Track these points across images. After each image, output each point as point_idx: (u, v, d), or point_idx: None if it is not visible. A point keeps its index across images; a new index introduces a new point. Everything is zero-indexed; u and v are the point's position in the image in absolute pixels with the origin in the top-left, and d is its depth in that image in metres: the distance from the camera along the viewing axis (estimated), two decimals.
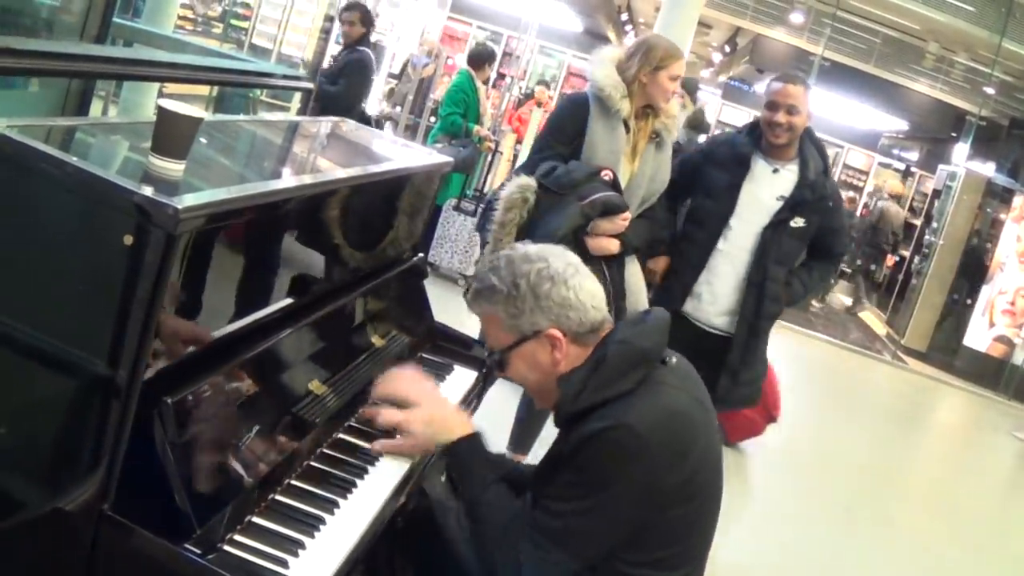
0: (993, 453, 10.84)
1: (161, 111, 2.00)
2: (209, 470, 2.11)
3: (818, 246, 4.67)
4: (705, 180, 4.60)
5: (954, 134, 19.11)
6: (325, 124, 3.89)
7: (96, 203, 1.84)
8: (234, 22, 14.41)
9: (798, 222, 4.47)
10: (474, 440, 2.62)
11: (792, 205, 4.44)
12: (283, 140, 3.38)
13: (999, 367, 13.95)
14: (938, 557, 6.54)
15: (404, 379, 2.75)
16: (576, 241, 4.17)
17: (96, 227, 1.87)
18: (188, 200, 1.83)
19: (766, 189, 4.48)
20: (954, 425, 12.21)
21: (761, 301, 4.46)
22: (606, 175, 4.21)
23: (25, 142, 1.88)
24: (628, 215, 4.21)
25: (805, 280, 4.68)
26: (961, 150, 16.75)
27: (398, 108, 14.38)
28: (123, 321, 1.84)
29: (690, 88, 8.04)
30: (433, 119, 12.52)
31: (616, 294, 4.28)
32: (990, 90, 16.18)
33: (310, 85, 4.44)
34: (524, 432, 4.92)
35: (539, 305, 2.45)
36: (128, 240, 1.80)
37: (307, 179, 2.55)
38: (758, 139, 4.55)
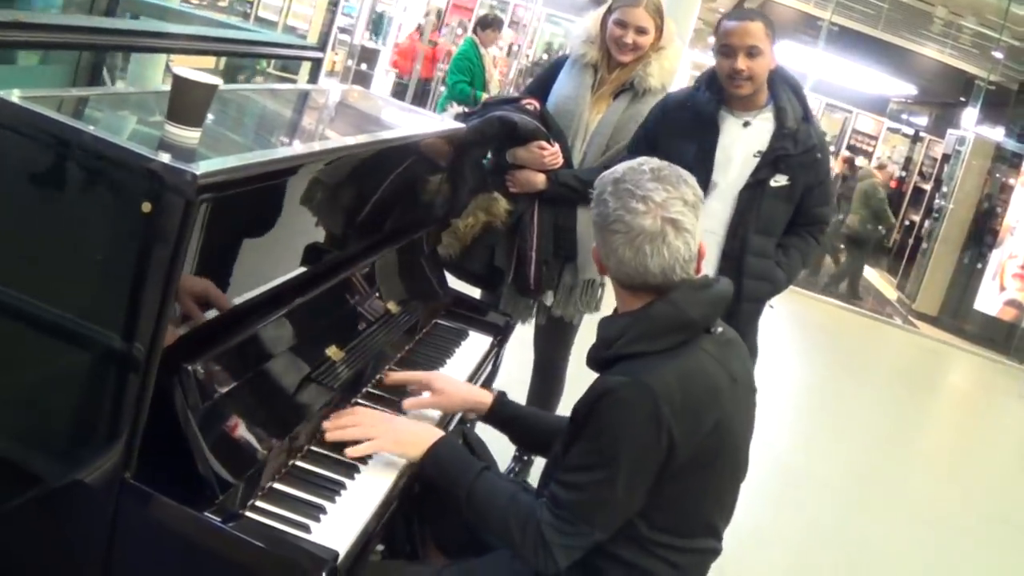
0: (1006, 417, 10.82)
1: (176, 78, 1.99)
2: (230, 437, 2.13)
3: (798, 209, 3.99)
4: (669, 155, 3.45)
5: (963, 99, 19.03)
6: (335, 92, 3.89)
7: (114, 171, 1.84)
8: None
9: (780, 180, 3.85)
10: (446, 442, 2.59)
11: (772, 160, 3.81)
12: (296, 108, 3.38)
13: (1010, 331, 13.96)
14: (954, 525, 6.52)
15: (351, 418, 2.61)
16: (494, 173, 4.16)
17: (114, 196, 1.87)
18: (206, 166, 1.83)
19: (739, 147, 3.86)
20: (966, 390, 12.19)
21: (739, 280, 3.72)
22: (528, 104, 4.12)
23: (40, 111, 1.88)
24: (551, 146, 4.06)
25: (783, 262, 4.00)
26: (970, 115, 16.69)
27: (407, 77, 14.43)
28: (142, 289, 1.84)
29: None
30: (442, 88, 12.53)
31: (560, 244, 4.18)
32: (998, 54, 16.10)
33: (320, 54, 4.43)
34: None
35: (604, 238, 2.41)
36: (147, 208, 1.80)
37: (322, 145, 2.54)
38: (720, 92, 3.88)
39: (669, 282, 2.38)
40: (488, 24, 10.58)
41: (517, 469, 4.55)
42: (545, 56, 20.45)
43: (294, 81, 10.03)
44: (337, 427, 2.51)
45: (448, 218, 3.99)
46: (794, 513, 5.61)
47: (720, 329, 2.50)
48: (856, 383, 9.65)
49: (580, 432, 2.37)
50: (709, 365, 2.40)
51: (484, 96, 9.91)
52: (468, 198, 4.08)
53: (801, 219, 4.01)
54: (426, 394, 2.89)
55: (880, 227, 14.87)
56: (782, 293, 4.12)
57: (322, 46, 4.45)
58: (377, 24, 19.04)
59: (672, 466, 2.31)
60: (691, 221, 2.38)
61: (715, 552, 2.58)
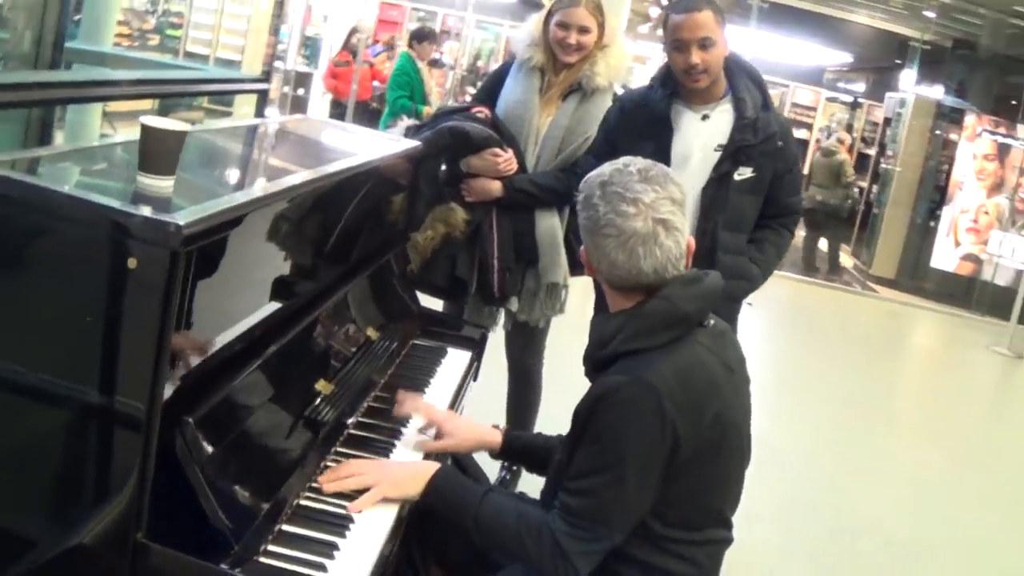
0: (975, 370, 10.94)
1: (145, 128, 1.96)
2: (236, 483, 2.09)
3: (767, 200, 3.88)
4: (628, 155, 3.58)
5: (898, 61, 19.19)
6: (286, 123, 3.87)
7: (95, 230, 1.80)
8: (169, 32, 14.32)
9: (744, 172, 3.74)
10: (443, 473, 2.57)
11: (733, 152, 3.70)
12: (254, 144, 3.35)
13: (969, 285, 14.13)
14: (937, 481, 6.60)
15: (346, 469, 2.55)
16: (449, 183, 4.14)
17: (98, 255, 1.83)
18: (187, 215, 1.80)
19: (698, 141, 3.77)
20: (933, 347, 12.32)
21: None
22: (479, 112, 4.13)
23: (10, 176, 1.85)
24: (504, 153, 4.07)
25: (758, 257, 3.89)
26: (908, 76, 16.85)
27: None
28: (136, 345, 1.81)
29: None
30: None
31: (521, 250, 4.18)
32: (930, 14, 16.23)
33: (265, 86, 4.40)
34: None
35: (595, 242, 2.42)
36: (132, 263, 1.77)
37: (296, 178, 2.51)
38: (675, 87, 3.79)
39: (661, 280, 2.39)
40: (423, 37, 10.56)
41: (507, 477, 4.54)
42: (480, 64, 20.47)
43: (229, 113, 10.04)
44: (332, 480, 2.47)
45: (407, 233, 3.96)
46: (776, 488, 5.59)
47: (712, 321, 2.52)
48: (821, 353, 9.70)
49: (583, 436, 2.36)
50: (706, 358, 2.42)
51: (426, 109, 9.89)
52: (425, 211, 4.06)
53: (772, 210, 3.91)
54: (422, 429, 2.94)
55: (849, 201, 15.05)
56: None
57: (266, 77, 4.43)
58: (309, 48, 18.96)
59: (678, 460, 2.32)
60: (680, 219, 2.40)
61: (727, 542, 2.58)
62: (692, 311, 2.40)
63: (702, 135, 3.77)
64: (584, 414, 2.37)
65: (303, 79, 17.96)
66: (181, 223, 1.75)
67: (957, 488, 6.54)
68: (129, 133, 2.88)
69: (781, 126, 3.83)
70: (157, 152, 1.98)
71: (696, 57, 3.60)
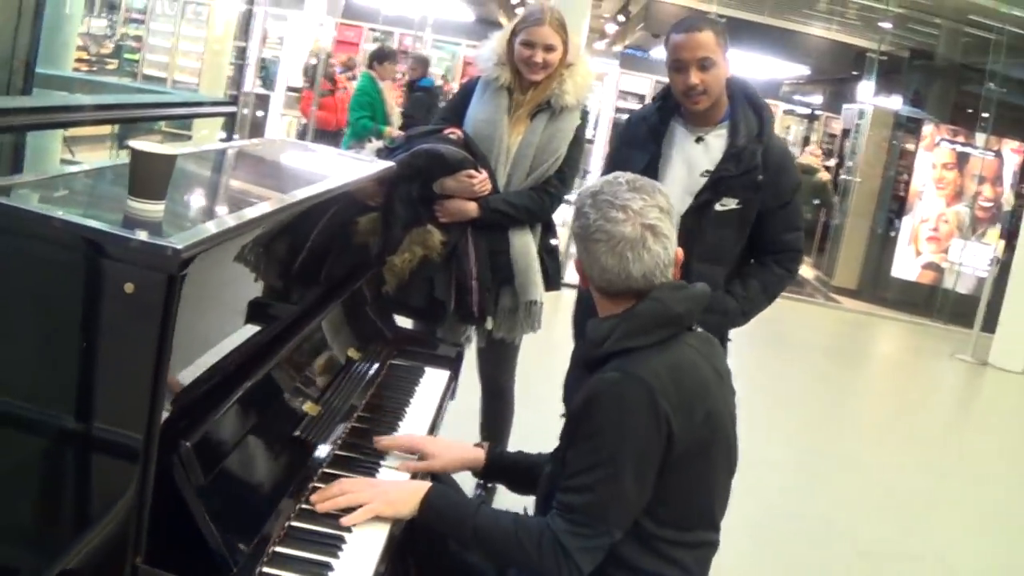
0: (941, 378, 11.03)
1: (135, 152, 1.96)
2: (232, 506, 2.08)
3: (760, 236, 3.73)
4: (623, 167, 3.27)
5: (855, 72, 19.33)
6: (261, 145, 3.86)
7: (90, 256, 1.79)
8: (128, 56, 14.28)
9: (727, 203, 3.61)
10: (436, 490, 2.57)
11: (715, 182, 3.59)
12: (230, 166, 3.33)
13: (930, 294, 14.24)
14: (909, 487, 6.63)
15: (338, 488, 2.53)
16: (423, 205, 4.10)
17: (94, 281, 1.82)
18: (184, 238, 1.80)
19: (688, 164, 3.68)
20: (898, 356, 12.40)
21: None
22: (451, 133, 4.12)
23: (5, 203, 1.84)
24: (479, 174, 4.07)
25: (738, 293, 3.72)
26: (866, 87, 16.96)
27: (304, 120, 14.31)
28: (135, 371, 1.80)
29: None
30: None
31: (496, 269, 4.19)
32: (887, 25, 16.37)
33: (233, 109, 4.40)
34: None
35: (586, 248, 2.49)
36: (129, 288, 1.76)
37: (287, 198, 2.50)
38: (676, 106, 3.72)
39: (650, 286, 2.46)
40: (384, 57, 10.56)
41: (483, 495, 4.54)
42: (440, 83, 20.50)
43: (189, 137, 9.97)
44: (325, 499, 2.46)
45: (384, 256, 3.96)
46: (748, 498, 5.53)
47: (700, 329, 2.59)
48: (788, 364, 9.72)
49: (578, 434, 2.40)
50: (696, 359, 2.49)
51: (387, 130, 9.88)
52: (402, 234, 4.04)
53: (766, 247, 3.78)
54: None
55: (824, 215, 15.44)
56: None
57: (234, 100, 4.42)
58: (264, 71, 18.93)
59: (672, 456, 2.36)
60: (668, 227, 2.49)
61: (715, 545, 2.61)
62: (683, 311, 2.47)
63: (693, 157, 3.69)
64: (579, 412, 2.41)
65: (261, 101, 17.93)
66: (179, 247, 1.75)
67: (927, 496, 6.57)
68: (91, 158, 2.88)
69: (774, 158, 3.66)
70: (147, 176, 1.97)
71: (695, 78, 3.52)
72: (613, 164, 3.79)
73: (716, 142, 3.67)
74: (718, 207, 3.60)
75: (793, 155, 3.97)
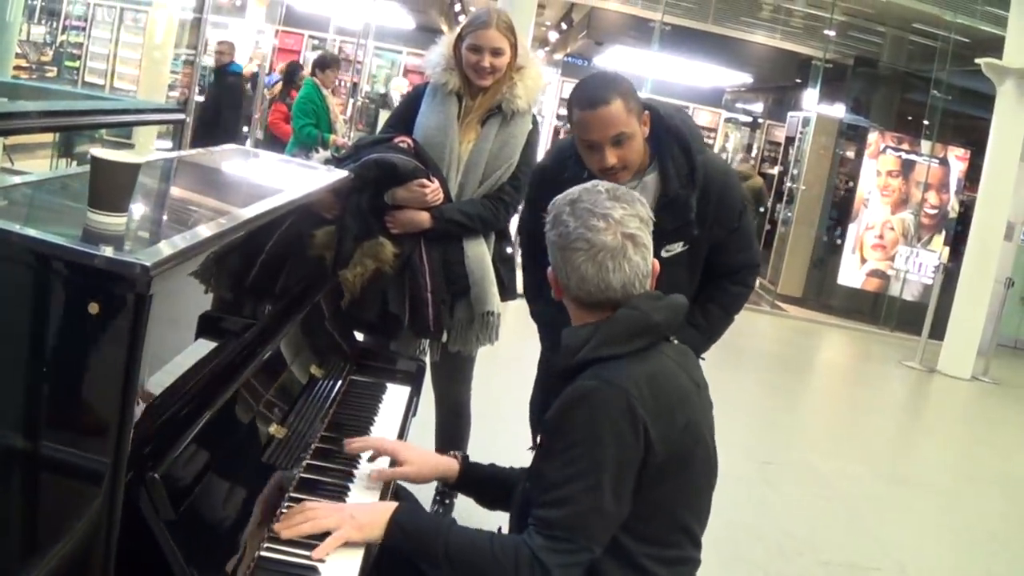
0: (891, 385, 11.09)
1: (96, 161, 1.82)
2: (199, 538, 1.95)
3: (715, 262, 3.56)
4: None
5: (798, 80, 19.44)
6: (216, 155, 3.72)
7: (50, 273, 1.66)
8: (68, 63, 14.05)
9: (673, 248, 3.38)
10: (404, 510, 2.47)
11: (654, 234, 3.00)
12: (182, 174, 3.20)
13: (876, 301, 14.34)
14: (862, 494, 6.64)
15: (302, 515, 2.40)
16: (374, 216, 4.01)
17: (54, 301, 1.68)
18: (153, 255, 1.67)
19: None
20: (847, 364, 12.46)
21: None
22: (402, 142, 4.02)
23: None
24: (431, 183, 3.96)
25: (700, 323, 3.56)
26: (810, 95, 17.02)
27: (245, 128, 14.17)
28: (100, 395, 1.67)
29: None
30: None
31: (452, 280, 4.10)
32: (831, 33, 16.45)
33: (182, 116, 4.26)
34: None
35: (564, 257, 2.44)
36: (94, 308, 1.63)
37: (252, 210, 2.37)
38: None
39: (628, 296, 2.43)
40: (328, 64, 10.42)
41: (440, 511, 4.44)
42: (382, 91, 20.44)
43: (131, 145, 9.81)
44: (289, 527, 2.34)
45: (335, 270, 3.84)
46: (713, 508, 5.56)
47: (676, 341, 2.56)
48: (737, 373, 9.68)
49: (555, 445, 2.34)
50: (674, 369, 2.45)
51: (332, 138, 9.77)
52: (353, 247, 3.95)
53: (723, 270, 3.60)
54: (372, 459, 2.83)
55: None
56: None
57: (183, 107, 4.29)
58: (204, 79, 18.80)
59: (651, 467, 2.31)
60: (647, 237, 2.48)
61: (696, 563, 2.56)
62: (661, 320, 2.44)
63: None
64: (554, 423, 2.36)
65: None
66: (148, 264, 1.62)
67: (883, 504, 6.57)
68: (32, 167, 2.73)
69: (715, 188, 3.39)
70: (109, 187, 1.83)
71: (612, 158, 3.15)
72: (533, 210, 3.63)
73: (647, 188, 3.35)
74: (664, 254, 3.29)
75: (734, 171, 3.77)
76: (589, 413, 2.29)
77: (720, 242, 3.51)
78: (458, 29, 4.10)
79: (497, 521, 2.74)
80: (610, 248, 2.39)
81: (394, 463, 2.81)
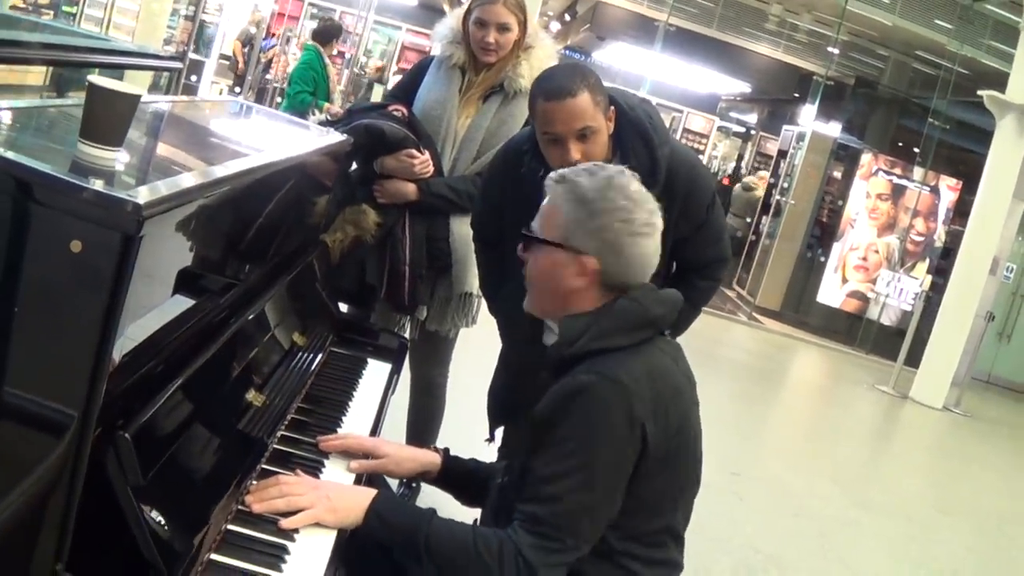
0: (862, 407, 11.04)
1: (93, 88, 1.67)
2: (166, 507, 1.78)
3: (683, 257, 3.42)
4: (501, 215, 3.37)
5: (796, 95, 19.40)
6: (213, 103, 3.58)
7: (32, 204, 1.50)
8: (65, 8, 13.86)
9: None
10: (383, 497, 2.37)
11: None
12: (181, 118, 3.04)
13: (853, 322, 14.31)
14: (829, 515, 6.57)
15: (276, 488, 2.28)
16: (362, 184, 3.95)
17: (32, 234, 1.52)
18: (147, 194, 1.51)
19: None
20: (819, 382, 12.45)
21: None
22: (396, 110, 3.93)
23: None
24: (420, 154, 3.85)
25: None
26: (808, 111, 16.98)
27: (237, 89, 14.01)
28: (74, 342, 1.52)
29: None
30: (280, 99, 12.15)
31: (435, 257, 4.00)
32: (834, 50, 16.39)
33: (179, 65, 4.12)
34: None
35: (600, 235, 2.35)
36: (76, 247, 1.48)
37: (251, 161, 2.22)
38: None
39: (633, 283, 2.40)
40: (332, 35, 10.27)
41: (408, 494, 4.33)
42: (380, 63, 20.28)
43: None
44: (261, 500, 2.21)
45: (317, 235, 3.72)
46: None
47: (670, 336, 2.54)
48: (709, 380, 9.59)
49: (547, 439, 2.26)
50: (670, 365, 2.41)
51: (326, 106, 9.64)
52: (335, 212, 3.85)
53: (691, 265, 3.45)
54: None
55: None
56: None
57: (181, 57, 4.15)
58: (200, 36, 18.60)
59: (643, 465, 2.27)
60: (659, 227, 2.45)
61: (679, 567, 2.52)
62: (660, 315, 2.41)
63: None
64: (547, 417, 2.27)
65: (195, 66, 17.60)
66: (141, 202, 1.47)
67: (851, 526, 6.50)
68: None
69: (680, 183, 3.22)
70: (104, 118, 1.68)
71: (576, 152, 2.97)
72: (485, 201, 3.56)
73: None
74: None
75: (702, 163, 3.62)
76: (586, 408, 2.22)
77: (687, 237, 3.33)
78: (468, 2, 3.97)
79: (473, 514, 2.65)
80: (645, 224, 2.38)
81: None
